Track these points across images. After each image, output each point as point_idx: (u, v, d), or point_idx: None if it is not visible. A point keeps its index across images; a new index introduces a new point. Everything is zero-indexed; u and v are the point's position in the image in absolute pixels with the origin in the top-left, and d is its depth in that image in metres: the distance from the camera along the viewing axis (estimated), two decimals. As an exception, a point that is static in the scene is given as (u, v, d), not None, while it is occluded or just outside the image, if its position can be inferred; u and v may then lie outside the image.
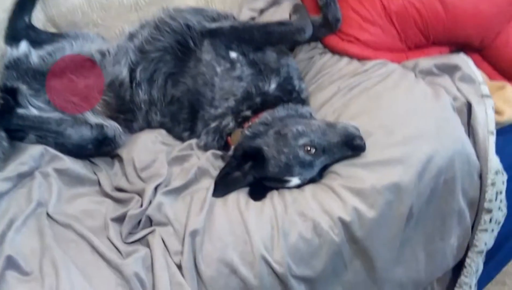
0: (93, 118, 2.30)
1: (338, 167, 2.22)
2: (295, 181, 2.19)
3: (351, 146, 2.09)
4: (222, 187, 2.16)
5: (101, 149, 2.33)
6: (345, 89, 2.50)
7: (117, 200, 2.24)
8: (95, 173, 2.35)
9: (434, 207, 2.24)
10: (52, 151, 2.25)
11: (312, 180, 2.21)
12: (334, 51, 2.82)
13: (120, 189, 2.28)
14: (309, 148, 2.14)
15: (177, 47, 2.35)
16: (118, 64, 2.36)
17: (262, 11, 2.74)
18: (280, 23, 2.39)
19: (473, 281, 2.46)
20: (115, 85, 2.36)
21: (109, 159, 2.44)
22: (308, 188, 2.17)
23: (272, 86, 2.37)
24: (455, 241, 2.41)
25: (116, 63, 2.36)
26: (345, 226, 2.08)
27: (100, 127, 2.29)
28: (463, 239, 2.39)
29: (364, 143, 2.08)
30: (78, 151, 2.29)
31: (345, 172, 2.19)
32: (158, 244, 2.03)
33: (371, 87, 2.46)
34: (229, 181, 2.18)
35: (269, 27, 2.37)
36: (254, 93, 2.34)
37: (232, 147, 2.27)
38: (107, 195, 2.26)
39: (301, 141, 2.14)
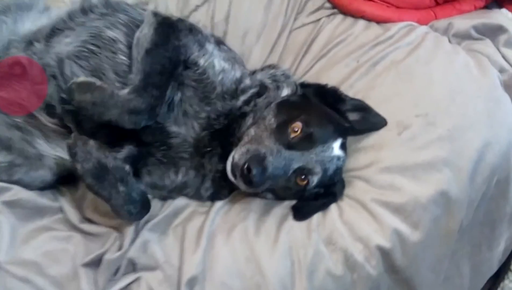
0: (49, 151, 1.93)
1: (367, 172, 1.92)
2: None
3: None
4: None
5: (66, 182, 2.01)
6: (367, 64, 2.15)
7: (87, 235, 1.89)
8: (56, 198, 1.99)
9: (483, 214, 2.01)
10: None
11: (331, 194, 1.91)
12: (346, 12, 2.38)
13: (91, 220, 1.92)
14: None
15: None
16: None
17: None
18: None
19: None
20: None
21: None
22: (334, 206, 1.89)
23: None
24: (503, 246, 2.14)
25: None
26: (384, 255, 1.80)
27: (61, 162, 1.93)
28: (510, 242, 2.16)
29: (254, 175, 1.70)
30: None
31: (378, 180, 1.89)
32: None
33: (400, 61, 2.12)
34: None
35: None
36: None
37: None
38: (74, 227, 1.90)
39: None
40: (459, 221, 1.87)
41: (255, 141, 1.79)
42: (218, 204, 1.95)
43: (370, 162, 1.93)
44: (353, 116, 1.96)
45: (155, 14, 1.91)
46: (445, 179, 1.85)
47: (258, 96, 1.97)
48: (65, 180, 2.00)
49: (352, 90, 2.10)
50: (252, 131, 1.84)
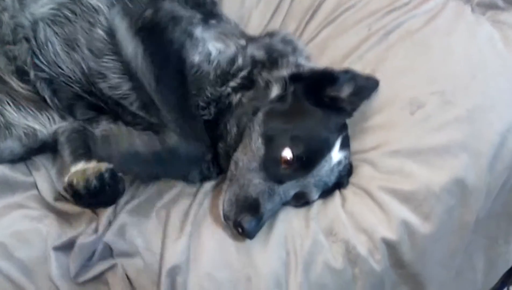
0: (19, 120, 1.83)
1: (373, 156, 1.81)
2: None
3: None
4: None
5: (39, 154, 1.88)
6: (379, 32, 2.02)
7: (62, 215, 1.75)
8: (30, 172, 1.85)
9: (501, 204, 1.88)
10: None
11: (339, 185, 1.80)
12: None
13: (67, 198, 1.75)
14: None
15: None
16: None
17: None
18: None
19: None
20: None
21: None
22: (337, 193, 1.79)
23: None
24: (520, 238, 2.02)
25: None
26: (390, 248, 1.69)
27: (32, 132, 1.83)
28: (528, 234, 2.04)
29: (249, 231, 1.61)
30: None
31: (385, 165, 1.78)
32: (121, 286, 1.65)
33: (416, 31, 1.99)
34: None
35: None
36: None
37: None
38: (48, 205, 1.78)
39: None
40: (475, 212, 1.75)
41: (243, 177, 1.67)
42: (208, 185, 1.84)
43: (378, 144, 1.82)
44: (346, 90, 1.81)
45: (122, 17, 1.76)
46: (461, 165, 1.73)
47: (247, 88, 1.83)
48: (39, 152, 1.87)
49: (361, 62, 1.98)
50: (239, 161, 1.71)
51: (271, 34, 1.99)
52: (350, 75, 1.81)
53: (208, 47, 1.81)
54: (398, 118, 1.82)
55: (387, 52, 1.97)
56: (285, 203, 1.71)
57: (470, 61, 1.89)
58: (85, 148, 1.73)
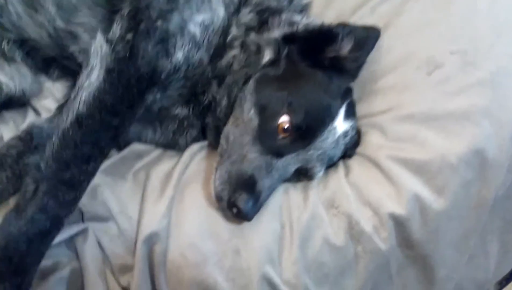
0: None
1: (383, 120, 1.70)
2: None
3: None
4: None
5: (7, 109, 1.80)
6: None
7: None
8: None
9: None
10: None
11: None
12: None
13: None
14: None
15: None
16: None
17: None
18: None
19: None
20: None
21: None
22: (341, 163, 1.71)
23: None
24: (538, 222, 1.96)
25: None
26: (399, 225, 1.59)
27: None
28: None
29: (246, 212, 1.50)
30: None
31: (396, 131, 1.67)
32: (92, 253, 1.56)
33: None
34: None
35: None
36: None
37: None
38: None
39: None
40: (494, 189, 1.63)
41: (236, 152, 1.56)
42: (195, 146, 1.75)
43: (388, 107, 1.71)
44: (346, 47, 1.69)
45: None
46: (482, 134, 1.62)
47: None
48: (5, 108, 1.81)
49: (373, 15, 1.87)
50: (230, 134, 1.60)
51: None
52: (348, 29, 1.69)
53: (189, 29, 1.66)
54: (412, 78, 1.72)
55: (403, 5, 1.86)
56: (285, 181, 1.62)
57: (495, 19, 1.76)
58: None
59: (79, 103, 1.49)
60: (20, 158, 1.58)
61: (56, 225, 1.43)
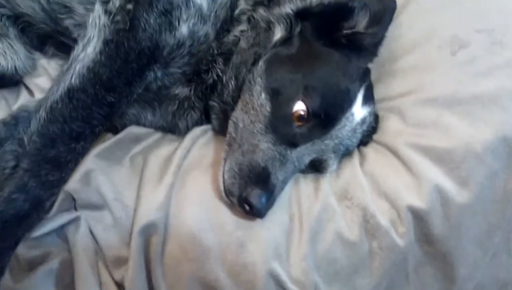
0: None
1: (402, 104, 1.63)
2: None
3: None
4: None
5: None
6: None
7: None
8: None
9: None
10: None
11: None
12: None
13: None
14: None
15: None
16: None
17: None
18: None
19: None
20: None
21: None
22: (355, 151, 1.64)
23: None
24: None
25: None
26: (418, 219, 1.52)
27: None
28: None
29: (259, 208, 1.41)
30: None
31: (417, 115, 1.61)
32: (84, 244, 1.50)
33: None
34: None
35: None
36: None
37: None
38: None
39: None
40: None
41: (246, 142, 1.48)
42: (197, 130, 1.68)
43: (408, 90, 1.64)
44: (362, 22, 1.60)
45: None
46: (510, 121, 1.56)
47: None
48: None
49: None
50: (239, 121, 1.52)
51: None
52: (362, 2, 1.60)
53: (195, 0, 1.60)
54: (435, 59, 1.65)
55: (425, -18, 1.79)
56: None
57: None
58: None
59: (72, 75, 1.43)
60: (0, 145, 1.50)
61: (36, 208, 1.36)
